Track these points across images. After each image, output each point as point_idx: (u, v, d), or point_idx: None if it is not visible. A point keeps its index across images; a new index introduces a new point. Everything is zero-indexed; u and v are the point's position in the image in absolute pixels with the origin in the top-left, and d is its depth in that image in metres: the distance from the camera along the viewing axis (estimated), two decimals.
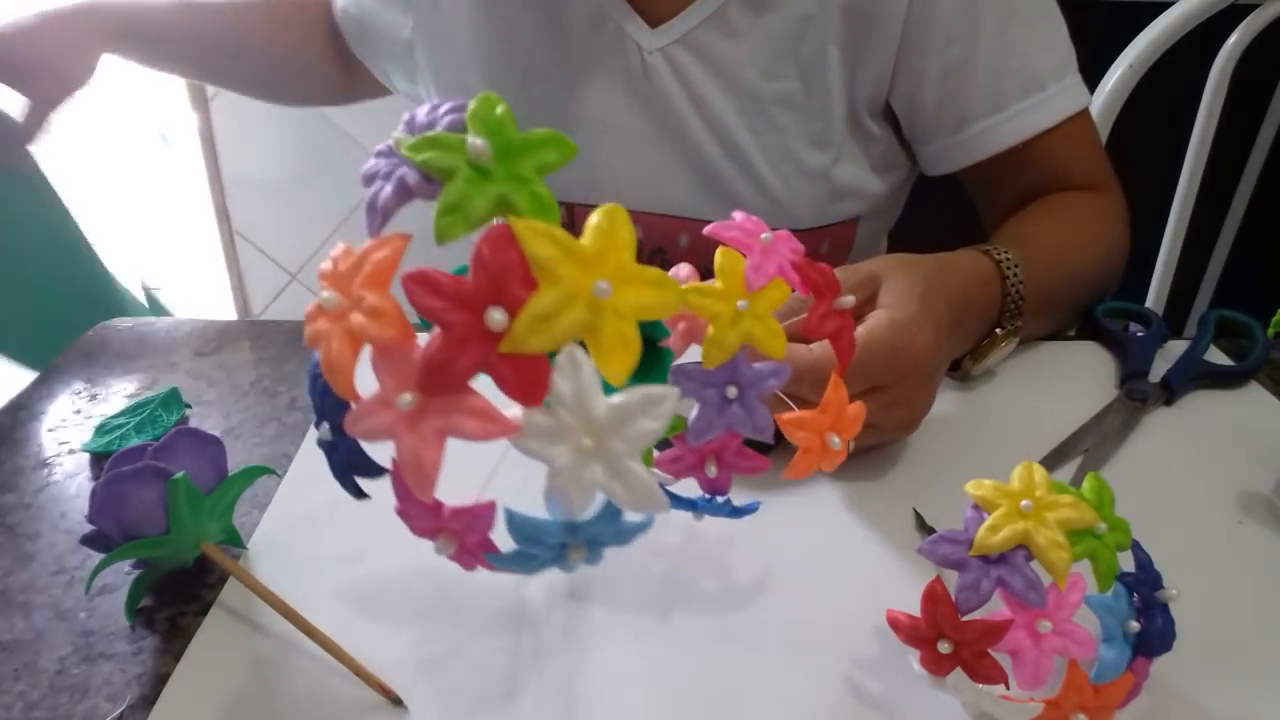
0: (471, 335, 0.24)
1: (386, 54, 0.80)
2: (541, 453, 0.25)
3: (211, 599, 0.42)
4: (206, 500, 0.42)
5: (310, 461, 0.52)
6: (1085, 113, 0.69)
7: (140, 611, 0.42)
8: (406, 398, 0.24)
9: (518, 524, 0.27)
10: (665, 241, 0.72)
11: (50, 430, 0.55)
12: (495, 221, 0.25)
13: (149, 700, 0.37)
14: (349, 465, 0.31)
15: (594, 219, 0.25)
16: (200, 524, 0.41)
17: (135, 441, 0.49)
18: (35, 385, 0.60)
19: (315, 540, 0.46)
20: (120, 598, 0.42)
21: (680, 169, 0.70)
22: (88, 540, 0.42)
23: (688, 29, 0.66)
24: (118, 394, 0.59)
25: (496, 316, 0.23)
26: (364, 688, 0.37)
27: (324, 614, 0.40)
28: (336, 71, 0.86)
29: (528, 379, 0.24)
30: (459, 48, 0.72)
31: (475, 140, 0.25)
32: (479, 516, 0.28)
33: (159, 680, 0.38)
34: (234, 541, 0.45)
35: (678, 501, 0.40)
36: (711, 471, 0.36)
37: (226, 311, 1.90)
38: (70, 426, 0.56)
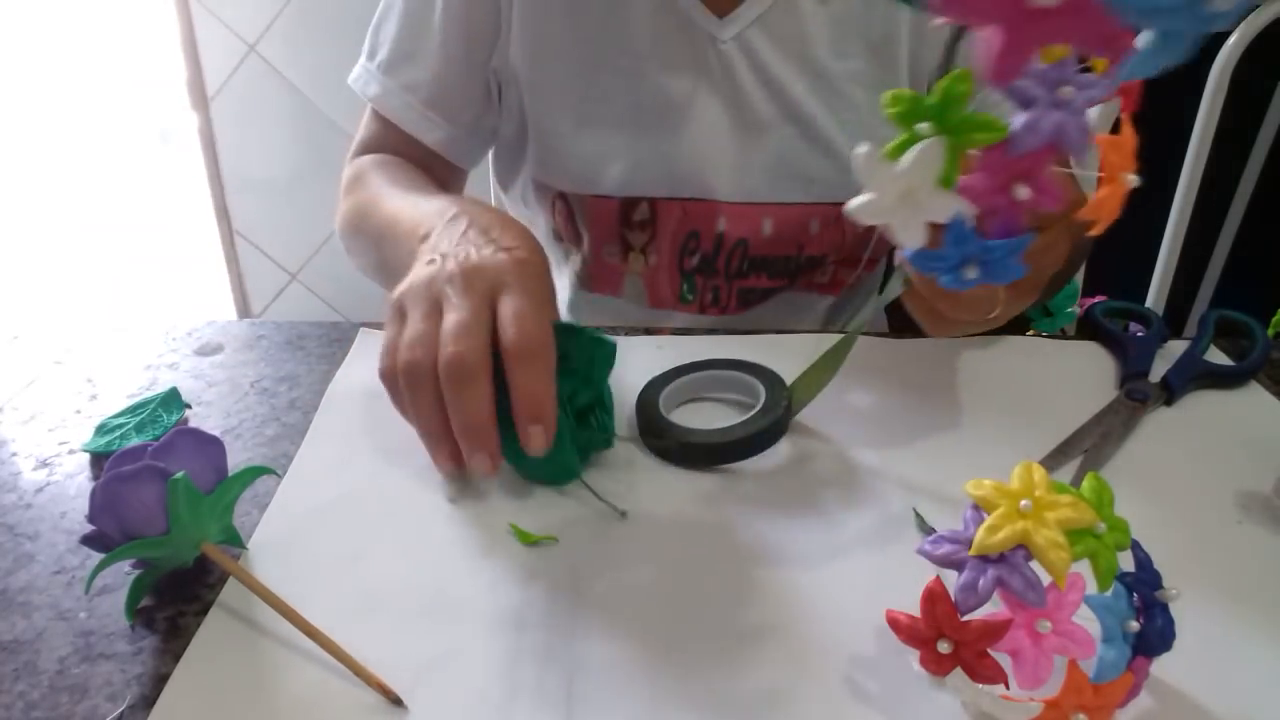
0: None
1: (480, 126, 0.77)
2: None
3: (211, 599, 0.42)
4: (206, 500, 0.42)
5: (310, 461, 0.52)
6: None
7: (140, 611, 0.42)
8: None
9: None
10: (748, 231, 0.73)
11: (50, 430, 0.55)
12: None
13: (149, 700, 0.37)
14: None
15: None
16: (200, 524, 0.41)
17: (135, 441, 0.49)
18: (35, 385, 0.60)
19: (315, 540, 0.46)
20: (120, 598, 0.42)
21: (757, 154, 0.71)
22: (88, 540, 0.42)
23: (756, 15, 0.68)
24: (118, 394, 0.59)
25: None
26: (364, 688, 0.37)
27: (324, 614, 0.40)
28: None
29: None
30: (530, 43, 0.71)
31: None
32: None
33: (159, 680, 0.38)
34: (234, 541, 0.45)
35: (960, 243, 0.36)
36: (1023, 193, 0.33)
37: (226, 311, 1.90)
38: (70, 426, 0.56)
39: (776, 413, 0.51)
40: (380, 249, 0.64)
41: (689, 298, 0.76)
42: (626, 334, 0.65)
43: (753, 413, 0.52)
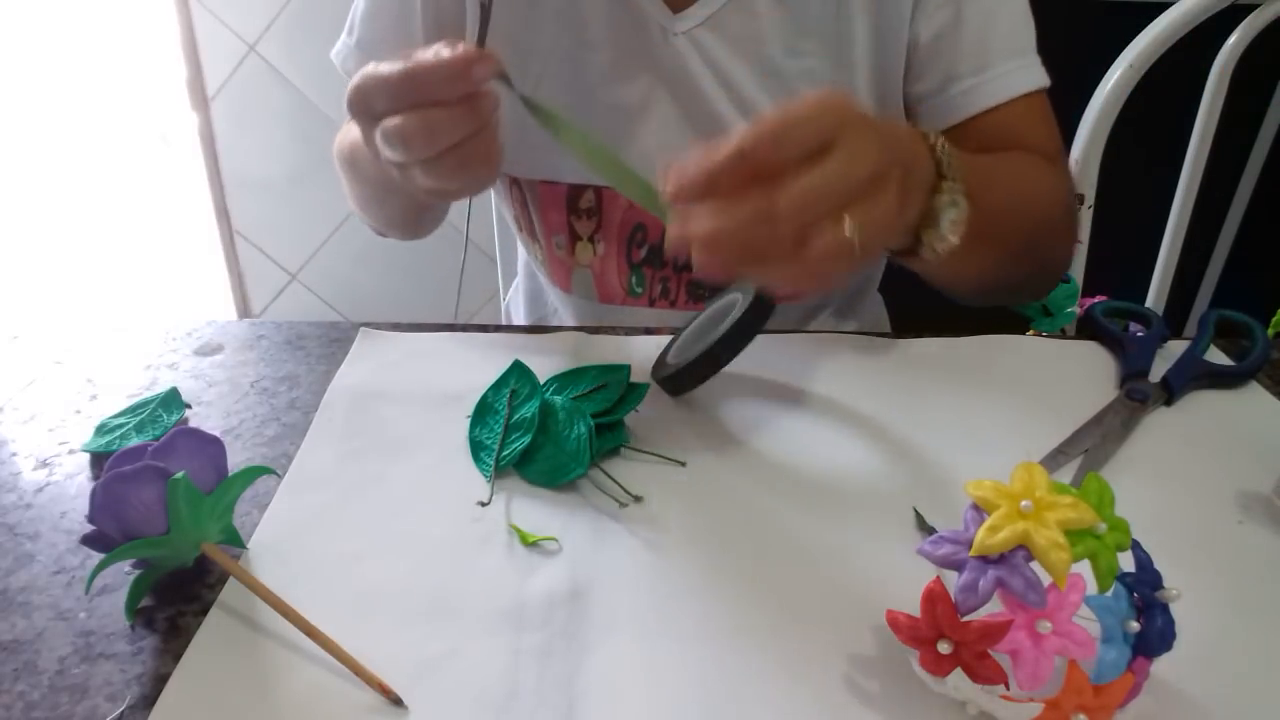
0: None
1: None
2: None
3: (211, 599, 0.42)
4: (206, 500, 0.42)
5: (310, 461, 0.52)
6: (1045, 94, 0.71)
7: (140, 611, 0.42)
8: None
9: None
10: None
11: (50, 430, 0.55)
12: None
13: (149, 700, 0.37)
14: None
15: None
16: (200, 524, 0.41)
17: (135, 441, 0.49)
18: (35, 385, 0.60)
19: (315, 540, 0.46)
20: (120, 598, 0.42)
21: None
22: (88, 540, 0.42)
23: (711, 12, 0.68)
24: (118, 394, 0.59)
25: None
26: (364, 688, 0.37)
27: (324, 614, 0.40)
28: None
29: None
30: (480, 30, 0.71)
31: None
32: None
33: (159, 680, 0.38)
34: (234, 541, 0.45)
35: None
36: None
37: (226, 311, 1.90)
38: (70, 426, 0.56)
39: (749, 298, 0.53)
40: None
41: (638, 290, 0.77)
42: (627, 334, 0.65)
43: (737, 308, 0.55)
